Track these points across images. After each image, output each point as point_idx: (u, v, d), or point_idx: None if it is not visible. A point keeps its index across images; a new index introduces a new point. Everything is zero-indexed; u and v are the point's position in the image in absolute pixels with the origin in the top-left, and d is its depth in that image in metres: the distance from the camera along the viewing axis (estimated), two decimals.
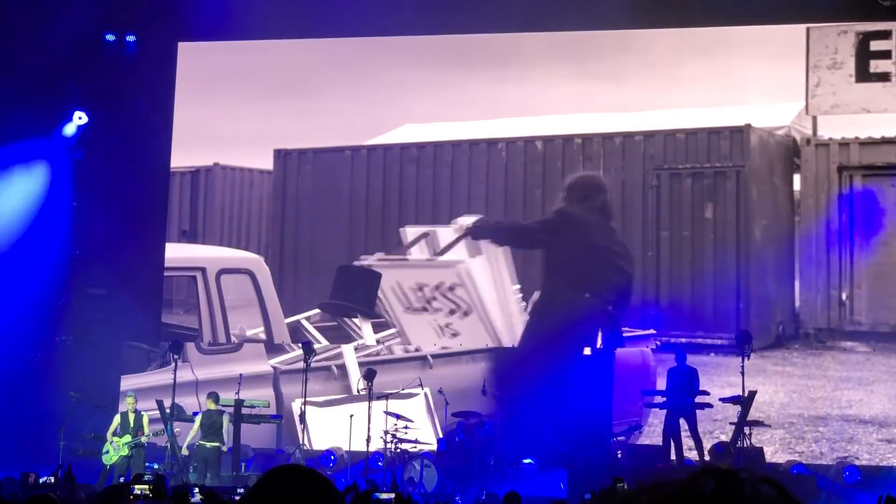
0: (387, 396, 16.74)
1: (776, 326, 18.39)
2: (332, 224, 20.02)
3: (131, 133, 18.39)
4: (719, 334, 18.35)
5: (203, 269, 19.49)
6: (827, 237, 18.32)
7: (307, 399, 16.83)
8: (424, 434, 17.02)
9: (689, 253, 18.70)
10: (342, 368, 18.63)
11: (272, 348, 19.21)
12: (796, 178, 18.70)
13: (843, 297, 18.17)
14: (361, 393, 16.97)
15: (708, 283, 18.55)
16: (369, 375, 16.69)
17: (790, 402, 17.07)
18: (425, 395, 17.92)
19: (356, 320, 19.18)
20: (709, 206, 18.77)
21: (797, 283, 18.42)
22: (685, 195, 18.83)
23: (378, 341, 19.05)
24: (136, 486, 7.98)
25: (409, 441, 16.62)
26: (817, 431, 17.08)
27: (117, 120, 18.43)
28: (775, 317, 18.43)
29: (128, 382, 18.54)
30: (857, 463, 16.69)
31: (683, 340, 18.20)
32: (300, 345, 17.73)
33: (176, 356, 16.92)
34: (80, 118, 18.56)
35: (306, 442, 17.17)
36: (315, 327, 19.31)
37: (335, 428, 17.15)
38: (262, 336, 19.34)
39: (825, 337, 18.14)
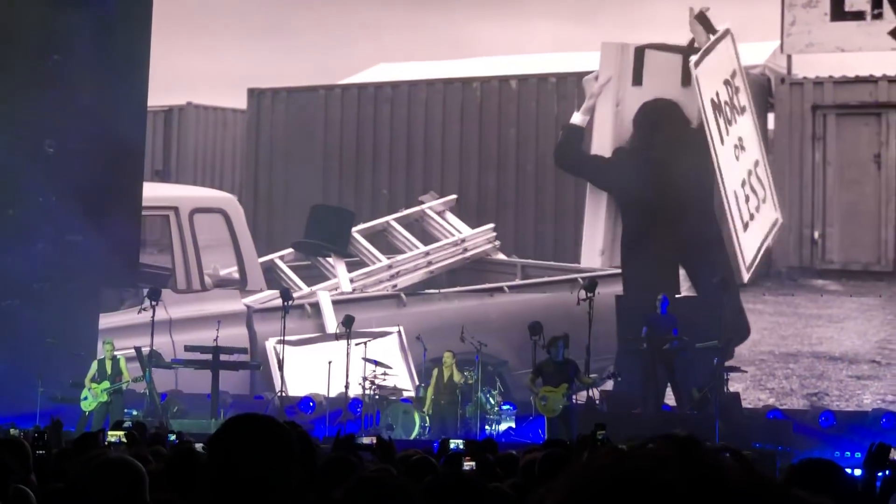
0: (365, 343, 16.69)
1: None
2: (307, 163, 19.99)
3: (107, 76, 18.19)
4: None
5: (176, 209, 19.43)
6: (800, 176, 18.38)
7: (281, 339, 16.84)
8: (400, 376, 17.09)
9: (665, 193, 18.70)
10: (316, 307, 18.71)
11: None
12: (770, 117, 18.71)
13: (816, 235, 18.27)
14: (339, 339, 16.94)
15: None
16: (347, 322, 16.67)
17: (761, 340, 17.23)
18: (399, 333, 18.02)
19: (330, 259, 19.21)
20: None
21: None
22: None
23: (351, 280, 19.10)
24: (111, 433, 7.94)
25: (388, 387, 16.69)
26: (788, 368, 17.28)
27: (92, 63, 18.22)
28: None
29: (101, 322, 18.54)
30: (827, 400, 16.92)
31: None
32: (278, 292, 17.73)
33: (154, 302, 16.78)
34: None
35: (284, 388, 17.19)
36: (289, 266, 19.34)
37: (311, 372, 17.19)
38: (236, 275, 19.35)
39: (797, 275, 18.25)
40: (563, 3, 19.39)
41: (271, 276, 19.34)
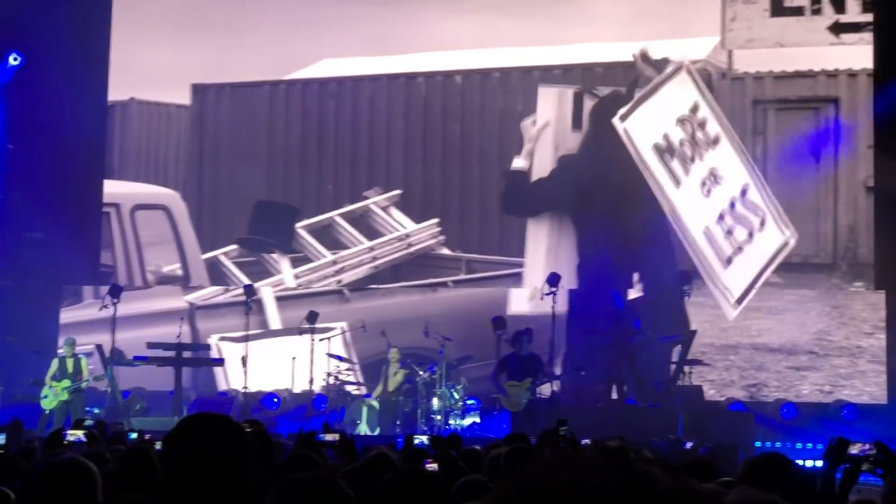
0: (328, 339, 16.59)
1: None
2: (251, 159, 19.93)
3: (67, 71, 18.06)
4: None
5: (117, 205, 19.31)
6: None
7: (223, 335, 16.82)
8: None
9: (606, 176, 18.80)
10: (258, 303, 18.68)
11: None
12: None
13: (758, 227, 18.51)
14: (302, 334, 16.85)
15: None
16: (311, 318, 16.57)
17: (702, 332, 17.30)
18: (342, 329, 18.04)
19: (274, 255, 19.19)
20: None
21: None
22: None
23: (296, 276, 19.10)
24: (71, 432, 7.89)
25: (352, 383, 16.66)
26: (728, 360, 17.44)
27: (53, 59, 18.06)
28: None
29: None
30: (765, 391, 17.18)
31: None
32: (242, 287, 17.61)
33: (115, 300, 16.55)
34: (14, 59, 18.14)
35: (222, 383, 17.04)
36: (233, 262, 19.31)
37: (257, 367, 17.06)
38: (179, 272, 19.28)
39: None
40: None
41: (216, 272, 19.30)
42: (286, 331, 16.87)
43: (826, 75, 18.40)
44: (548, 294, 15.95)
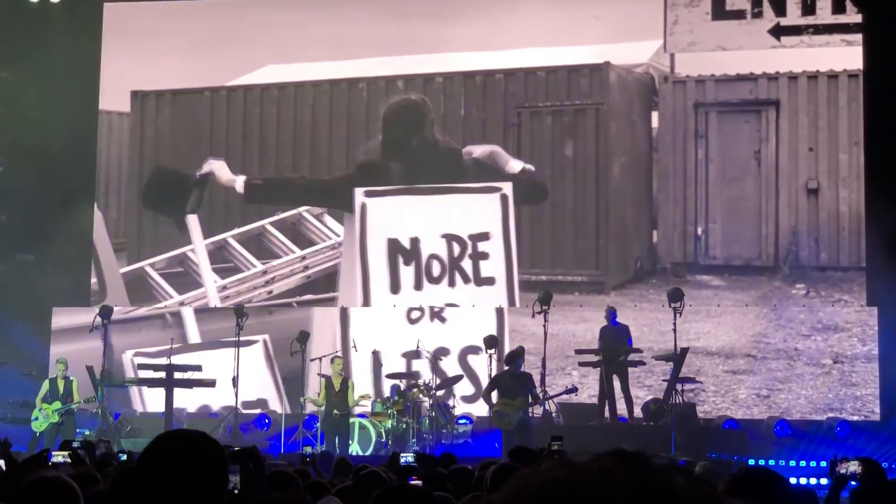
0: (320, 358, 16.27)
1: (634, 262, 18.67)
2: (191, 167, 19.79)
3: (57, 92, 18.03)
4: (579, 271, 18.57)
5: None
6: (683, 173, 18.60)
7: (138, 350, 16.58)
8: (259, 387, 16.75)
9: (550, 190, 18.84)
10: (176, 316, 18.47)
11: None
12: (654, 115, 18.90)
13: (699, 231, 18.50)
14: (294, 355, 16.60)
15: (568, 221, 18.73)
16: (302, 338, 16.37)
17: (641, 336, 17.21)
18: (264, 342, 17.84)
19: (200, 269, 18.84)
20: (569, 143, 18.93)
21: (655, 219, 18.71)
22: (546, 133, 18.97)
23: (225, 287, 18.78)
24: (55, 454, 7.78)
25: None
26: (666, 364, 17.36)
27: (42, 79, 18.02)
28: (633, 252, 18.71)
29: None
30: (703, 395, 17.14)
31: (544, 278, 18.38)
32: (232, 308, 17.33)
33: (106, 321, 16.26)
34: (3, 78, 18.07)
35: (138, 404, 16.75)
36: (159, 274, 19.12)
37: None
38: (95, 287, 19.01)
39: (682, 271, 18.44)
40: (448, 3, 19.44)
41: (141, 284, 19.13)
42: (207, 344, 16.62)
43: (767, 78, 18.43)
44: (539, 312, 15.88)
